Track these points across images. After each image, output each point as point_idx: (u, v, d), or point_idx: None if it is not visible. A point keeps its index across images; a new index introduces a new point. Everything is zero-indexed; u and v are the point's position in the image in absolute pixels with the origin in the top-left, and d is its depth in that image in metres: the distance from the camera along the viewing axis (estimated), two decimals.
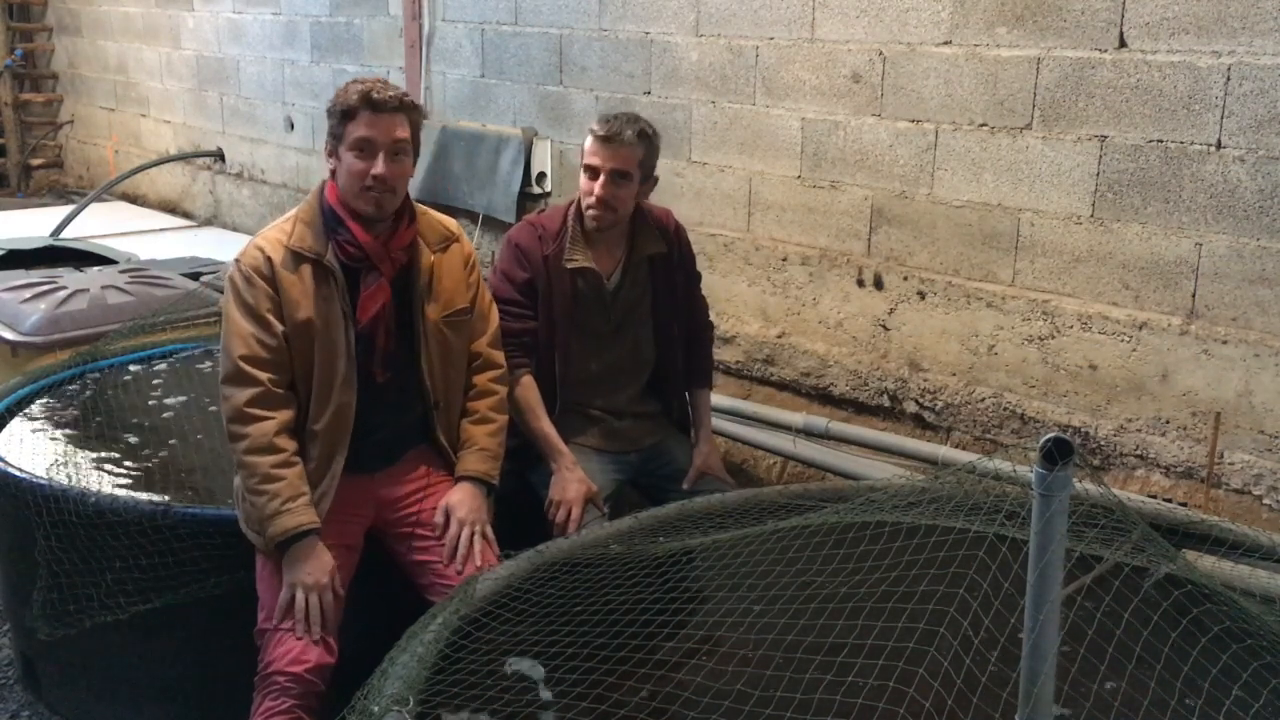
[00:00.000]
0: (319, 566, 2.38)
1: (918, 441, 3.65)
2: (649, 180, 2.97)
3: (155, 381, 3.63)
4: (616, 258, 3.04)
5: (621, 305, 3.06)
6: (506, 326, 2.92)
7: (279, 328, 2.43)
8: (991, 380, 3.53)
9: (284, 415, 2.43)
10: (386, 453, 2.62)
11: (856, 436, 3.76)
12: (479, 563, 2.52)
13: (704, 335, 3.27)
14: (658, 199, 3.06)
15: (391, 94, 2.45)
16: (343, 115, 2.44)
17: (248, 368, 2.40)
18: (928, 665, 1.87)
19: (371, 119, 2.42)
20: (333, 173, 2.51)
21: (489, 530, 2.59)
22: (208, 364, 3.76)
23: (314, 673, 2.33)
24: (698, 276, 3.25)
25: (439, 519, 2.58)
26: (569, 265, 2.96)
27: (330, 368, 2.46)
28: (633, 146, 2.86)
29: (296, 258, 2.45)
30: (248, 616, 2.43)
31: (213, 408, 3.40)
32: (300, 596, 2.35)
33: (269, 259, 2.44)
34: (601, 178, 2.88)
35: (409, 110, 2.49)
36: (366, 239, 2.47)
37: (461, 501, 2.59)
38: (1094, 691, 1.92)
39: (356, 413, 2.51)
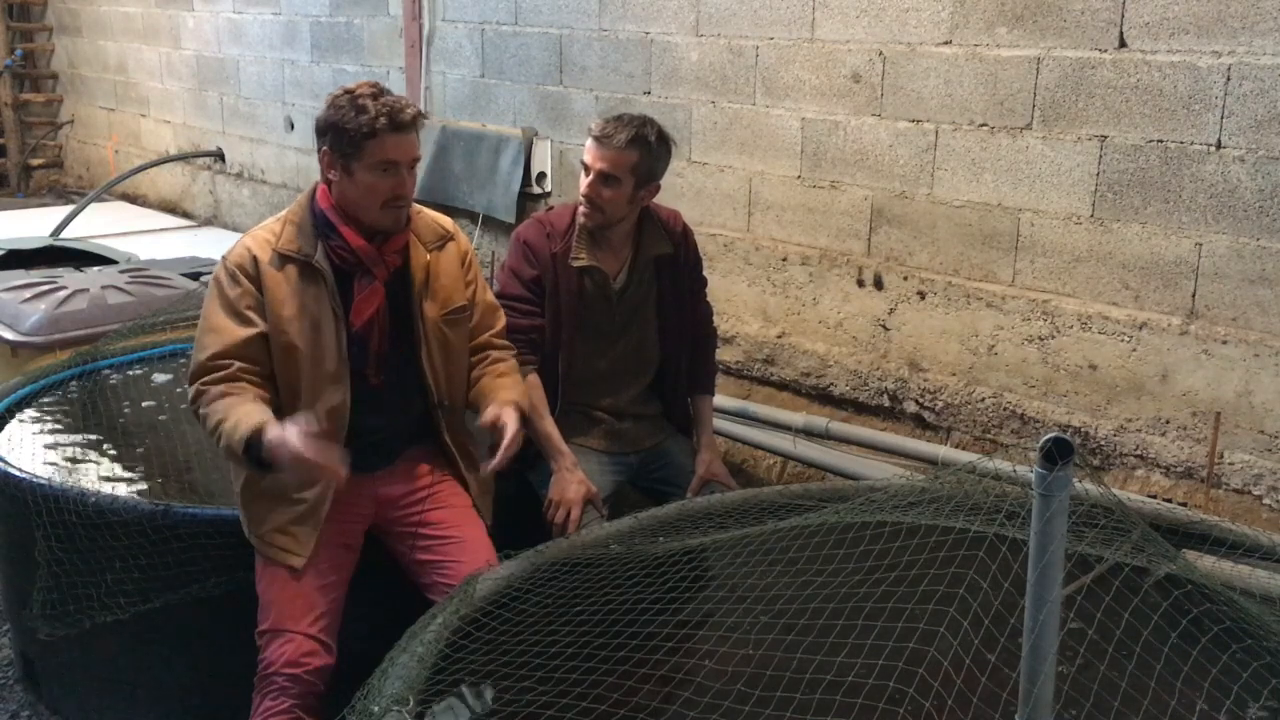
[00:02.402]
0: (293, 435, 2.20)
1: (918, 441, 3.65)
2: (647, 185, 2.93)
3: (155, 381, 3.63)
4: (623, 258, 3.04)
5: (627, 305, 3.05)
6: (514, 323, 2.92)
7: (259, 326, 2.41)
8: (991, 380, 3.53)
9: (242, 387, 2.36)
10: (385, 452, 2.62)
11: (856, 436, 3.76)
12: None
13: (707, 341, 3.26)
14: (658, 199, 3.05)
15: (411, 113, 2.40)
16: (363, 135, 2.36)
17: (218, 363, 2.38)
18: (928, 665, 1.87)
19: (396, 140, 2.37)
20: (329, 181, 2.47)
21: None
22: None
23: (313, 674, 2.33)
24: (703, 281, 3.24)
25: (503, 418, 2.46)
26: (576, 264, 2.96)
27: (319, 368, 2.45)
28: (622, 150, 2.83)
29: (283, 259, 2.44)
30: (247, 617, 2.43)
31: None
32: (300, 465, 2.20)
33: (255, 258, 2.43)
34: (590, 176, 2.88)
35: (421, 123, 2.46)
36: (360, 243, 2.45)
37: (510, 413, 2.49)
38: (1094, 691, 1.92)
39: (351, 414, 2.50)
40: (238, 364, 2.39)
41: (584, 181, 2.89)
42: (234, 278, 2.43)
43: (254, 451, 2.24)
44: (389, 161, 2.39)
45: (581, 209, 2.93)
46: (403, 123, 2.38)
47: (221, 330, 2.41)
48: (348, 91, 2.41)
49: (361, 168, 2.39)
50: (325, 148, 2.42)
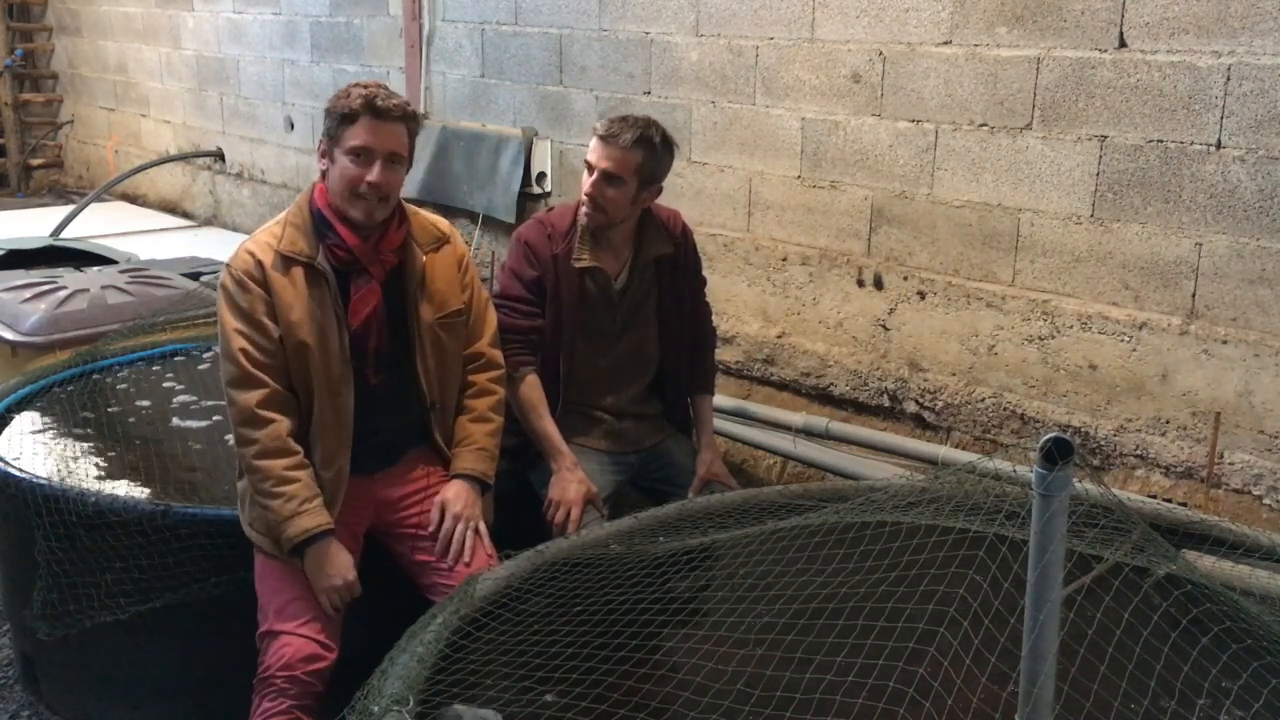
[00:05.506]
0: (342, 565, 2.40)
1: (918, 441, 3.65)
2: (650, 187, 2.93)
3: (155, 381, 3.63)
4: (623, 258, 3.04)
5: (628, 305, 3.05)
6: (514, 324, 2.92)
7: (275, 331, 2.41)
8: (991, 380, 3.53)
9: (291, 417, 2.43)
10: (386, 454, 2.62)
11: (856, 436, 3.76)
12: (468, 559, 2.54)
13: (707, 341, 3.26)
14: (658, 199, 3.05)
15: (395, 102, 2.43)
16: (342, 119, 2.40)
17: (253, 369, 2.39)
18: (928, 665, 1.87)
19: (373, 126, 2.40)
20: (323, 174, 2.49)
21: (483, 527, 2.61)
22: (208, 364, 3.76)
23: (312, 674, 2.33)
24: (703, 281, 3.24)
25: (434, 515, 2.59)
26: (578, 264, 2.96)
27: (326, 370, 2.45)
28: (627, 150, 2.83)
29: (287, 261, 2.43)
30: (247, 617, 2.43)
31: (209, 406, 3.40)
32: (336, 599, 2.39)
33: (260, 262, 2.42)
34: (594, 175, 2.87)
35: (409, 120, 2.47)
36: (355, 242, 2.45)
37: (457, 497, 2.60)
38: (1094, 692, 1.92)
39: (355, 415, 2.50)
40: (271, 377, 2.40)
41: (587, 180, 2.89)
42: (241, 284, 2.42)
43: (297, 545, 2.38)
44: (363, 147, 2.40)
45: (584, 209, 2.93)
46: (380, 109, 2.40)
47: (244, 337, 2.40)
48: (353, 84, 2.46)
49: (341, 152, 2.42)
50: (322, 136, 2.46)
